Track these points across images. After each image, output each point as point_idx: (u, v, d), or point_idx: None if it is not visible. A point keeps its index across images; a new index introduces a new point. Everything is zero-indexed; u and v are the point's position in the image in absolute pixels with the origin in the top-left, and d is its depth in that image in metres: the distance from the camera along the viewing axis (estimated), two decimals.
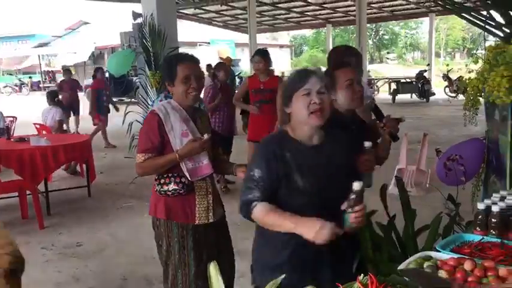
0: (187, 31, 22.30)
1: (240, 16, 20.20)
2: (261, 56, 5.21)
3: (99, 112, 9.48)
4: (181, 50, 6.56)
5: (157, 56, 5.98)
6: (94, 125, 9.67)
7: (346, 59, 2.65)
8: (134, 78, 15.46)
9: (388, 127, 2.37)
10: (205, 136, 2.44)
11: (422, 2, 18.10)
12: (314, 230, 1.70)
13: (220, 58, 13.31)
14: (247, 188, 1.86)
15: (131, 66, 8.27)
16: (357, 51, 2.96)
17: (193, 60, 2.53)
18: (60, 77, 22.24)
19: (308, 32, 45.81)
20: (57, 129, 7.95)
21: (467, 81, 2.66)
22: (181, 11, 17.78)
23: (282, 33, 38.61)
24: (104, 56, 25.94)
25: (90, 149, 6.11)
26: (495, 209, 1.83)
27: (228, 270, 2.62)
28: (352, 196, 1.74)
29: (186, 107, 2.53)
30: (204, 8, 18.55)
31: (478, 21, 2.64)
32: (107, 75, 12.13)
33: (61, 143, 5.63)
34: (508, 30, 2.53)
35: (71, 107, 10.46)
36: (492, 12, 2.61)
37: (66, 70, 12.28)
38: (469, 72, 2.68)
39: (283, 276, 1.22)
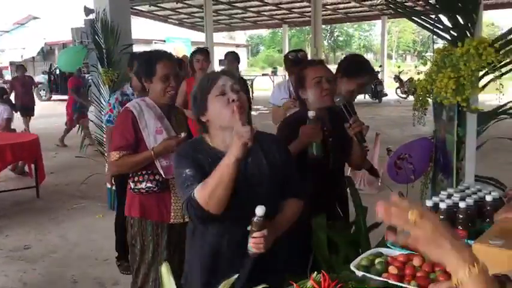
0: (142, 28, 21.91)
1: (196, 14, 20.05)
2: (203, 53, 4.91)
3: (76, 111, 9.15)
4: (136, 47, 6.44)
5: (110, 53, 5.83)
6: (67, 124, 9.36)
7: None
8: (87, 76, 15.00)
9: (354, 128, 2.26)
10: (182, 134, 2.43)
11: (374, 5, 18.58)
12: (237, 142, 1.61)
13: (177, 57, 13.03)
14: (185, 187, 1.73)
15: (83, 63, 8.05)
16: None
17: (172, 59, 2.54)
18: (7, 74, 21.28)
19: (264, 32, 46.09)
20: (4, 127, 7.63)
21: (416, 82, 2.75)
22: (135, 7, 17.43)
23: (238, 33, 38.66)
24: (54, 52, 25.12)
25: (39, 149, 5.91)
26: (442, 206, 1.89)
27: None
28: (254, 221, 1.66)
29: (161, 105, 2.52)
30: (159, 5, 18.30)
31: (427, 25, 2.72)
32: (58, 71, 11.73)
33: (8, 142, 5.42)
34: (455, 34, 2.62)
35: (24, 106, 9.99)
36: (441, 16, 2.70)
37: (19, 66, 11.63)
38: (418, 73, 2.76)
39: (235, 276, 1.21)
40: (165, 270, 1.12)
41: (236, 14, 20.78)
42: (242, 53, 40.03)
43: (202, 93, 1.78)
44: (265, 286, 1.20)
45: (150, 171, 2.45)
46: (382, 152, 5.95)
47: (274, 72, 23.66)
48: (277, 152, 1.86)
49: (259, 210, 1.65)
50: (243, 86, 1.82)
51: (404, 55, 49.18)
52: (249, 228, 1.67)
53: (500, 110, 2.54)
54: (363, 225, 2.44)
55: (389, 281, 1.54)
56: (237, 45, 39.93)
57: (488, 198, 1.93)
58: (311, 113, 2.21)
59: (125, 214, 2.60)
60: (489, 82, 2.49)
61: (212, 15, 16.71)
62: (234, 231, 1.77)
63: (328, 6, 18.20)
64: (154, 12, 20.36)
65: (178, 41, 28.49)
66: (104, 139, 4.84)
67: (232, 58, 5.54)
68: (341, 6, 18.91)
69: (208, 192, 1.66)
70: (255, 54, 48.66)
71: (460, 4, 2.60)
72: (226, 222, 1.76)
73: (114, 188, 4.01)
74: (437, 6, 2.75)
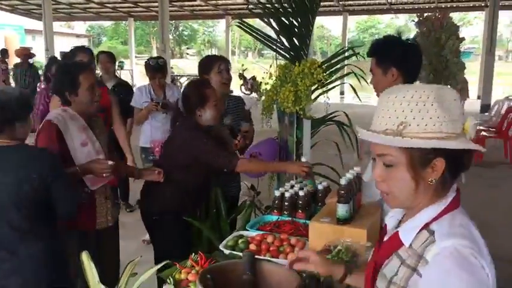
0: None
1: (31, 1, 18.59)
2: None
3: None
4: None
5: None
6: None
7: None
8: None
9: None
10: (110, 162, 2.43)
11: (219, 5, 19.38)
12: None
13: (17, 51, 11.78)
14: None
15: None
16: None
17: (91, 68, 2.55)
18: None
19: (107, 22, 44.27)
20: None
21: (263, 91, 3.28)
22: None
23: (78, 22, 36.53)
24: None
25: None
26: (287, 195, 2.43)
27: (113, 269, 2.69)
28: None
29: (83, 115, 2.50)
30: None
31: (271, 45, 3.27)
32: None
33: None
34: (293, 54, 3.20)
35: None
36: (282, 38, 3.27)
37: None
38: (266, 84, 3.24)
39: None
40: (85, 257, 1.39)
41: (77, 3, 19.77)
42: (83, 44, 38.04)
43: None
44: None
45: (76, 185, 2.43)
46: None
47: (121, 67, 23.00)
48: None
49: None
50: None
51: (246, 52, 51.57)
52: None
53: (328, 118, 3.20)
54: (223, 215, 2.90)
55: None
56: (78, 35, 37.67)
57: (320, 187, 2.52)
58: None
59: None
60: (319, 95, 3.13)
61: (51, 3, 15.73)
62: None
63: (175, 3, 18.43)
64: None
65: (9, 28, 25.92)
66: None
67: (107, 58, 4.76)
68: (187, 3, 19.30)
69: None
70: (97, 45, 46.42)
71: (296, 30, 3.20)
72: None
73: None
74: (277, 29, 3.31)
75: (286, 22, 3.22)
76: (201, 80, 3.08)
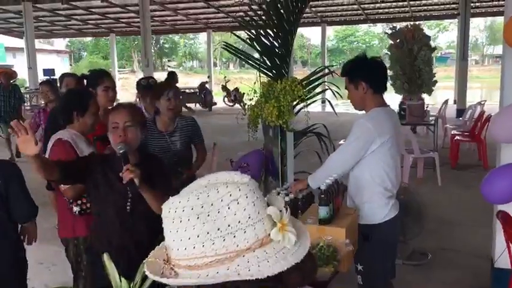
0: None
1: (13, 20, 18.68)
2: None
3: None
4: None
5: None
6: None
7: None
8: None
9: (125, 176, 2.22)
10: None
11: (200, 19, 19.71)
12: None
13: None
14: None
15: None
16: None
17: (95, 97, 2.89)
18: None
19: (87, 37, 44.31)
20: None
21: (248, 107, 3.55)
22: None
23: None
24: None
25: None
26: None
27: None
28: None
29: (84, 136, 2.79)
30: None
31: (254, 64, 3.56)
32: None
33: None
34: (275, 72, 3.50)
35: None
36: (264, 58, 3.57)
37: None
38: (250, 100, 3.51)
39: None
40: (106, 258, 1.63)
41: (59, 21, 19.91)
42: (64, 60, 37.98)
43: None
44: None
45: (86, 195, 2.66)
46: (220, 159, 6.75)
47: None
48: None
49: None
50: None
51: (227, 63, 52.00)
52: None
53: (308, 130, 3.51)
54: None
55: None
56: (58, 52, 37.67)
57: (300, 195, 2.78)
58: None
59: (65, 236, 2.82)
60: (300, 110, 3.43)
61: (33, 22, 15.86)
62: None
63: (156, 18, 18.69)
64: None
65: None
66: None
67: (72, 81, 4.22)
68: (169, 18, 19.60)
69: None
70: (77, 60, 46.37)
71: (277, 50, 3.50)
72: None
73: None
74: (259, 50, 3.61)
75: (268, 43, 3.51)
76: None
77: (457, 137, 8.16)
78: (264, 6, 3.68)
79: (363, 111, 2.68)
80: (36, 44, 17.28)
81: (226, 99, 19.21)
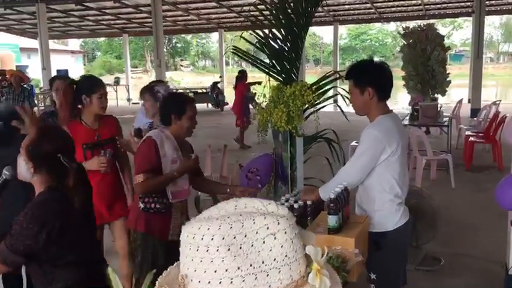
0: None
1: (27, 21, 18.89)
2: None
3: None
4: None
5: None
6: None
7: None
8: None
9: None
10: (193, 156, 2.92)
11: (212, 19, 19.73)
12: None
13: (10, 71, 11.92)
14: None
15: None
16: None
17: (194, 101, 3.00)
18: None
19: (101, 37, 44.66)
20: None
21: (258, 110, 3.52)
22: None
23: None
24: None
25: None
26: None
27: None
28: None
29: (178, 138, 2.90)
30: None
31: (264, 69, 3.53)
32: None
33: None
34: (284, 76, 3.46)
35: None
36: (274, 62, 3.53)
37: None
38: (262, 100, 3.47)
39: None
40: (110, 271, 1.61)
41: (72, 22, 20.08)
42: (78, 60, 38.30)
43: None
44: None
45: (159, 195, 2.84)
46: (230, 160, 6.74)
47: (117, 82, 23.26)
48: None
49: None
50: None
51: (239, 61, 51.96)
52: None
53: (318, 135, 3.46)
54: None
55: None
56: (72, 52, 38.00)
57: (309, 202, 2.74)
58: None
59: (130, 228, 2.99)
60: (310, 115, 3.39)
61: (46, 22, 16.02)
62: None
63: (168, 18, 18.76)
64: None
65: (5, 47, 26.15)
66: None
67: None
68: (181, 18, 19.65)
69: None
70: (91, 60, 46.76)
71: (286, 54, 3.47)
72: None
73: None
74: (268, 53, 3.57)
75: (277, 47, 3.48)
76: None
77: (471, 138, 8.04)
78: (274, 6, 3.64)
79: (364, 115, 2.63)
80: (51, 44, 17.48)
81: None
